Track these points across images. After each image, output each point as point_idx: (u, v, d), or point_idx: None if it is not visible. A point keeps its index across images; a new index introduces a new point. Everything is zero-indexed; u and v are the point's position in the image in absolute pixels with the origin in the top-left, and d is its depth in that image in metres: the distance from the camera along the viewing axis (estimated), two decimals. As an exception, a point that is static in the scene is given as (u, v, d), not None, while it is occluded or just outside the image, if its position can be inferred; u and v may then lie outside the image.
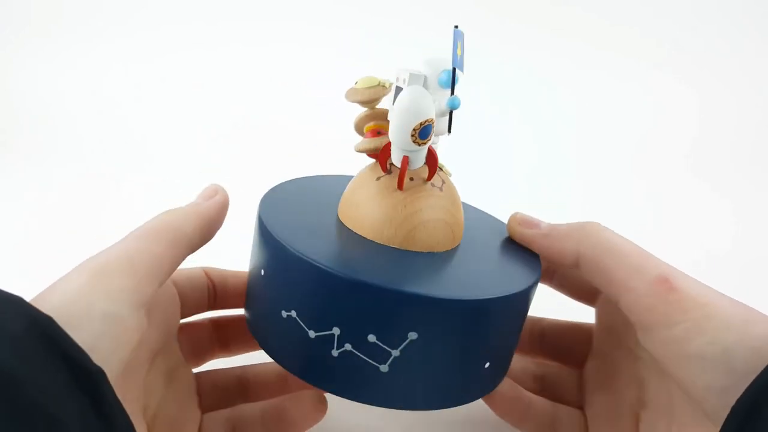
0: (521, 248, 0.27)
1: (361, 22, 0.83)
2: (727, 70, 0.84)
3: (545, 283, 0.31)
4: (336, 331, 0.21)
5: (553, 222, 0.27)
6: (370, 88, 0.24)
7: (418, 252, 0.24)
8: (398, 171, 0.24)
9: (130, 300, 0.19)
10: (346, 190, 0.26)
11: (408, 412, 0.25)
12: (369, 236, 0.24)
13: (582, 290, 0.29)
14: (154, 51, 0.85)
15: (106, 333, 0.17)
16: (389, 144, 0.24)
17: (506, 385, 0.28)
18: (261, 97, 0.83)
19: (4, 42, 0.86)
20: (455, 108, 0.23)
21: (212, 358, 0.30)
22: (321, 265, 0.21)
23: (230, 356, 0.30)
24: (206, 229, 0.24)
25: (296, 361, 0.23)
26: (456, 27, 0.22)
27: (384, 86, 0.24)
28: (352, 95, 0.25)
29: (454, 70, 0.22)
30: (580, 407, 0.29)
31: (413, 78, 0.23)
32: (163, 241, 0.22)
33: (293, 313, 0.22)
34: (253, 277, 0.25)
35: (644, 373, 0.25)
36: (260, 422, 0.26)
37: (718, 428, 0.18)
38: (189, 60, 0.85)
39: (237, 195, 0.28)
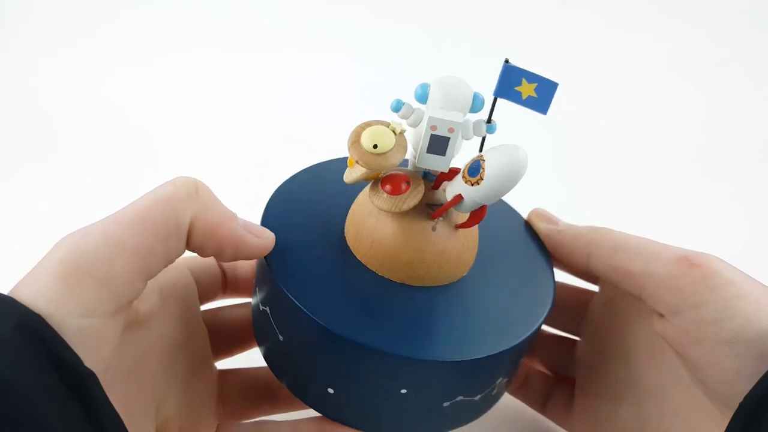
0: (534, 274, 0.26)
1: (362, 24, 0.83)
2: (731, 70, 0.84)
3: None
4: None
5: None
6: (388, 151, 0.20)
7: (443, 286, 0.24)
8: (454, 218, 0.23)
9: (107, 310, 0.17)
10: (357, 225, 0.24)
11: None
12: (356, 253, 0.24)
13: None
14: (156, 50, 0.85)
15: (81, 345, 0.16)
16: (458, 198, 0.22)
17: None
18: (264, 98, 0.82)
19: (5, 42, 0.86)
20: (492, 133, 0.22)
21: (249, 348, 0.29)
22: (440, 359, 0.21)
23: None
24: (213, 242, 0.21)
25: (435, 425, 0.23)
26: (506, 61, 0.21)
27: (402, 133, 0.21)
28: (372, 163, 0.21)
29: (495, 99, 0.22)
30: (572, 379, 0.29)
31: (463, 126, 0.21)
32: (151, 232, 0.19)
33: (454, 400, 0.22)
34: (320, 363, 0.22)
35: (636, 353, 0.24)
36: None
37: (727, 412, 0.17)
38: (192, 60, 0.85)
39: (239, 195, 0.28)
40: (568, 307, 0.30)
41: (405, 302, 0.22)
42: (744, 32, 0.84)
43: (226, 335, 0.28)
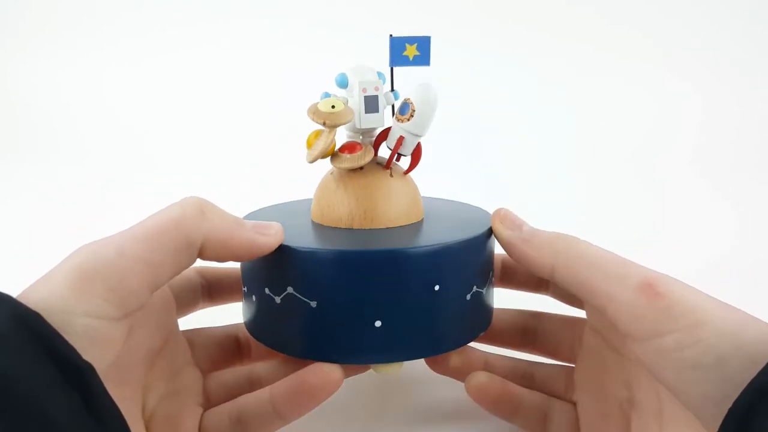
0: (478, 218, 0.30)
1: (362, 24, 0.83)
2: (731, 70, 0.84)
3: (541, 293, 0.31)
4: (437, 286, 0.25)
5: (538, 226, 0.27)
6: (341, 110, 0.26)
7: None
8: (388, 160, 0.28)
9: (113, 315, 0.18)
10: (329, 203, 0.28)
11: (401, 409, 0.32)
12: (333, 224, 0.28)
13: (576, 297, 0.29)
14: (155, 51, 0.85)
15: (86, 345, 0.17)
16: (401, 139, 0.27)
17: (495, 382, 0.28)
18: (264, 98, 0.83)
19: (5, 42, 0.86)
20: (396, 99, 0.28)
21: (230, 366, 0.29)
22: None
23: (251, 364, 0.30)
24: (227, 249, 0.22)
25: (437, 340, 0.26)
26: (390, 35, 0.26)
27: (346, 103, 0.27)
28: (336, 119, 0.26)
29: (392, 69, 0.27)
30: (572, 402, 0.29)
31: (380, 83, 0.27)
32: (165, 248, 0.20)
33: (472, 291, 0.26)
34: (297, 314, 0.25)
35: (632, 374, 0.24)
36: (269, 405, 0.25)
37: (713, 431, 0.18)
38: (191, 60, 0.85)
39: (238, 192, 0.28)
40: (568, 337, 0.29)
41: (401, 232, 0.27)
42: (744, 32, 0.84)
43: (209, 356, 0.29)
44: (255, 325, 0.27)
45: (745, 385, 0.17)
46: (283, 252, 0.24)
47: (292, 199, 0.34)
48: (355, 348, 0.25)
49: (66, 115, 0.81)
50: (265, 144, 0.76)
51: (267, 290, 0.25)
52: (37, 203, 0.60)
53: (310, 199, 0.32)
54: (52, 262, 0.19)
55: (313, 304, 0.24)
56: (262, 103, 0.82)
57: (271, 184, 0.31)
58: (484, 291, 0.27)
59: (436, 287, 0.25)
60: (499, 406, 0.28)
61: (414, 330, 0.25)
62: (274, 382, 0.27)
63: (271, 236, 0.24)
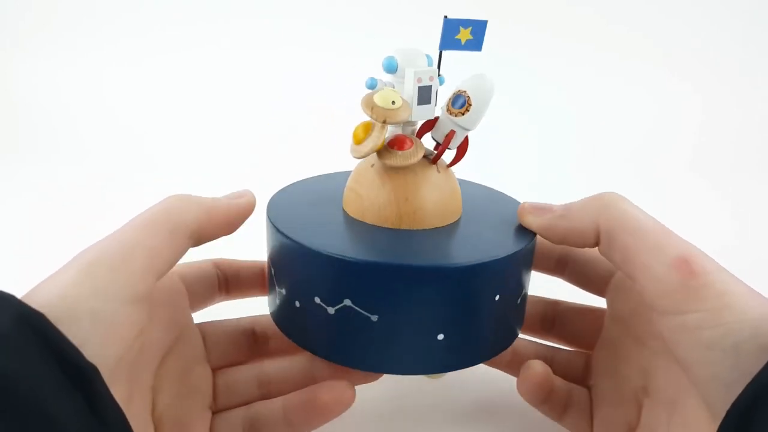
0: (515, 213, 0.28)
1: (363, 23, 0.83)
2: (730, 70, 0.84)
3: (557, 276, 0.31)
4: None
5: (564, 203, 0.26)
6: (401, 105, 0.24)
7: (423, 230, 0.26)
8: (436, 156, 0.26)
9: (120, 296, 0.19)
10: (371, 201, 0.26)
11: (417, 405, 0.32)
12: (379, 223, 0.26)
13: (593, 282, 0.29)
14: (155, 50, 0.85)
15: (93, 331, 0.17)
16: (452, 133, 0.25)
17: (541, 370, 0.28)
18: (264, 98, 0.83)
19: (5, 42, 0.86)
20: (442, 84, 0.26)
21: (245, 362, 0.29)
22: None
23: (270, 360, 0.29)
24: (213, 223, 0.24)
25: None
26: (445, 17, 0.25)
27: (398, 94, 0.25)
28: (397, 116, 0.24)
29: (440, 53, 0.25)
30: (588, 387, 0.29)
31: (434, 72, 0.25)
32: (160, 232, 0.21)
33: (521, 294, 0.26)
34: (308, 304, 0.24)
35: (650, 363, 0.24)
36: (282, 417, 0.25)
37: (718, 422, 0.18)
38: (191, 60, 0.85)
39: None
40: (588, 326, 0.30)
41: (455, 236, 0.26)
42: (744, 32, 0.84)
43: (225, 347, 0.28)
44: (298, 331, 0.26)
45: (754, 374, 0.17)
46: (340, 263, 0.23)
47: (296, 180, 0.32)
48: (416, 360, 0.24)
49: (66, 115, 0.81)
50: (265, 144, 0.76)
51: (318, 299, 0.24)
52: (37, 203, 0.60)
53: (325, 178, 0.31)
54: (52, 262, 0.19)
55: (374, 318, 0.23)
56: (262, 103, 0.82)
57: (271, 183, 0.31)
58: (528, 290, 0.27)
59: (497, 297, 0.24)
60: (538, 394, 0.28)
61: (474, 339, 0.25)
62: (283, 383, 0.27)
63: (245, 197, 0.25)
